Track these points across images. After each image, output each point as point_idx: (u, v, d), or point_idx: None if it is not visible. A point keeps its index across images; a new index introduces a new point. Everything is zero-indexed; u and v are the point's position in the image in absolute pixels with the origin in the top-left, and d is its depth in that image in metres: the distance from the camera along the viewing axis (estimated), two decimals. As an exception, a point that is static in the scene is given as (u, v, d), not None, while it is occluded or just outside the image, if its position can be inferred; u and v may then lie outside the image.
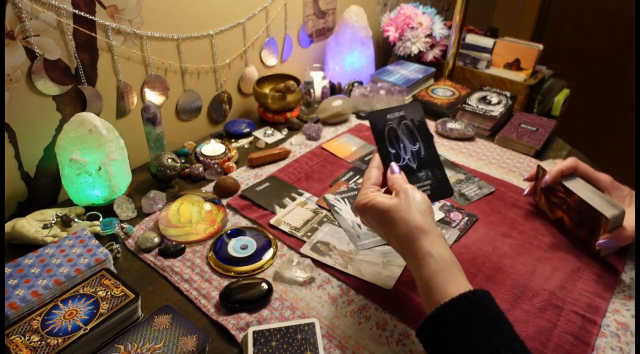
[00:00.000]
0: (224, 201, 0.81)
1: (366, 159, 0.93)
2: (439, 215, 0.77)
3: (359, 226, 0.74)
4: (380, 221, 0.54)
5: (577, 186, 0.67)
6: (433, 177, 0.59)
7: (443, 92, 1.20)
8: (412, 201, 0.53)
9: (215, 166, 0.89)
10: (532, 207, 0.79)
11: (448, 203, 0.80)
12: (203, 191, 0.81)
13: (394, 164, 0.58)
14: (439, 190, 0.60)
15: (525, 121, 1.05)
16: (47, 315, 0.54)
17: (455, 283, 0.48)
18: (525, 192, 0.79)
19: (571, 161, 0.70)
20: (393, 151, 0.58)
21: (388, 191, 0.57)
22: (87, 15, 0.75)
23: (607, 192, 0.68)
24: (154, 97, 0.92)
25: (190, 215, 0.74)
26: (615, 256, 0.68)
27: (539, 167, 0.72)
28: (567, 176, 0.70)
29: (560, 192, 0.70)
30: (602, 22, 1.94)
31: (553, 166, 0.72)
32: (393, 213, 0.52)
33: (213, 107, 1.05)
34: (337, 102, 1.07)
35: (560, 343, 0.56)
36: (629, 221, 0.63)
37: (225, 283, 0.64)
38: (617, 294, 0.63)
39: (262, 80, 1.10)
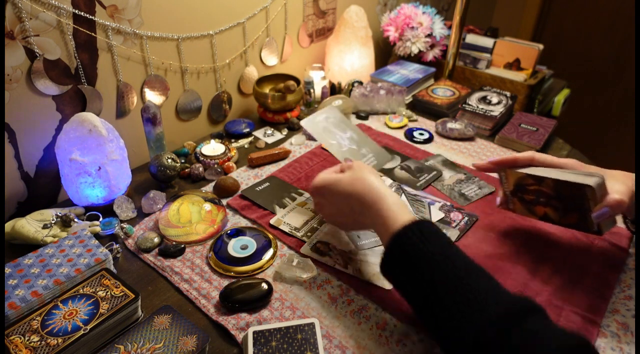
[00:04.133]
0: (224, 201, 0.81)
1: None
2: (439, 215, 0.77)
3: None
4: (336, 190, 0.63)
5: (545, 171, 0.63)
6: (372, 152, 0.74)
7: (443, 92, 1.20)
8: (364, 166, 0.64)
9: (215, 166, 0.89)
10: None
11: (448, 203, 0.80)
12: (203, 191, 0.81)
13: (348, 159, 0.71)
14: (382, 158, 0.76)
15: (525, 121, 1.05)
16: (47, 315, 0.54)
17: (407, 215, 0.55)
18: (498, 203, 0.73)
19: (529, 153, 0.67)
20: (334, 142, 0.73)
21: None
22: (87, 15, 0.75)
23: None
24: (153, 97, 0.92)
25: (190, 215, 0.74)
26: (615, 255, 0.68)
27: (499, 171, 0.69)
28: (527, 168, 0.66)
29: (531, 185, 0.65)
30: (602, 22, 1.94)
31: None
32: (348, 180, 0.62)
33: (213, 107, 1.05)
34: (337, 102, 1.07)
35: (560, 343, 0.55)
36: (615, 187, 0.58)
37: (225, 283, 0.64)
38: (617, 294, 0.63)
39: (262, 80, 1.10)
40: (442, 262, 0.49)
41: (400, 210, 0.56)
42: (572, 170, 0.63)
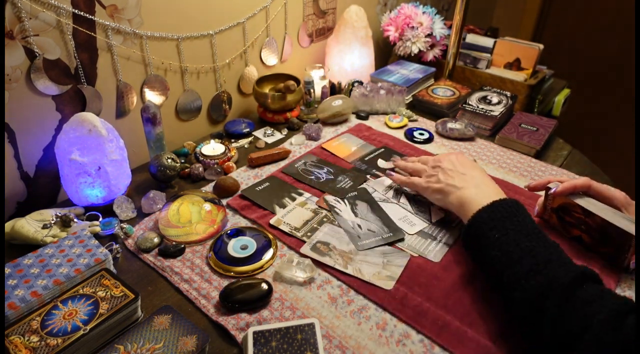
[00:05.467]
0: (224, 201, 0.81)
1: (366, 158, 0.93)
2: (439, 215, 0.77)
3: (359, 226, 0.74)
4: (469, 162, 0.75)
5: (596, 207, 0.66)
6: (348, 176, 0.87)
7: (443, 92, 1.19)
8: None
9: (215, 166, 0.89)
10: (532, 208, 0.78)
11: (448, 203, 0.80)
12: (203, 191, 0.80)
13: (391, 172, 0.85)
14: (357, 179, 0.87)
15: (525, 121, 1.05)
16: (47, 315, 0.54)
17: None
18: (535, 213, 0.76)
19: (585, 179, 0.68)
20: (313, 177, 0.87)
21: None
22: (87, 15, 0.75)
23: (623, 209, 0.66)
24: (153, 97, 0.92)
25: (190, 215, 0.74)
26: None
27: (547, 188, 0.71)
28: (578, 195, 0.68)
29: (576, 213, 0.68)
30: (602, 22, 1.94)
31: (569, 181, 0.69)
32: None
33: (213, 107, 1.05)
34: (337, 102, 1.07)
35: (560, 343, 0.55)
36: None
37: (225, 283, 0.64)
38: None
39: (262, 80, 1.10)
40: (531, 231, 0.58)
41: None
42: (621, 213, 0.65)
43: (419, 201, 0.80)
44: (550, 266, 0.52)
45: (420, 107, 1.17)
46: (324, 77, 1.19)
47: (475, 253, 0.63)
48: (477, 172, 0.71)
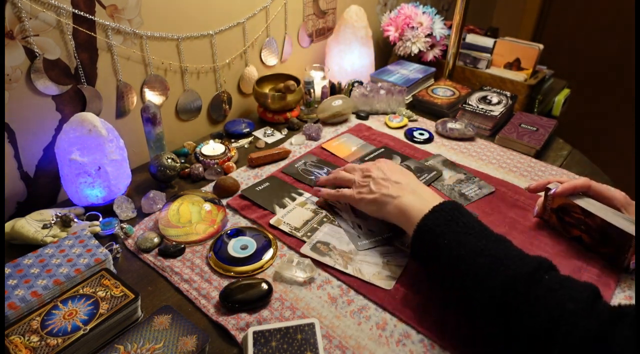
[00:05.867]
0: (224, 201, 0.81)
1: (366, 158, 0.93)
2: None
3: (359, 226, 0.74)
4: (399, 168, 0.74)
5: (595, 207, 0.66)
6: None
7: (443, 92, 1.19)
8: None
9: (215, 166, 0.89)
10: (532, 208, 0.78)
11: (448, 203, 0.80)
12: (203, 191, 0.80)
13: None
14: None
15: (525, 121, 1.05)
16: (47, 315, 0.54)
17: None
18: (535, 213, 0.76)
19: (585, 180, 0.68)
20: (313, 177, 0.86)
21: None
22: (87, 15, 0.75)
23: (623, 209, 0.66)
24: (153, 97, 0.92)
25: (190, 215, 0.74)
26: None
27: (547, 188, 0.71)
28: (578, 196, 0.68)
29: (576, 213, 0.68)
30: (602, 22, 1.94)
31: (569, 181, 0.69)
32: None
33: (213, 107, 1.05)
34: (337, 102, 1.07)
35: (560, 343, 0.55)
36: None
37: (225, 283, 0.64)
38: (617, 295, 0.63)
39: (262, 80, 1.10)
40: (476, 232, 0.57)
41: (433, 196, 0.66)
42: (621, 214, 0.65)
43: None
44: (507, 262, 0.52)
45: (420, 107, 1.17)
46: (324, 77, 1.19)
47: (427, 262, 0.61)
48: (410, 179, 0.70)
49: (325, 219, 0.76)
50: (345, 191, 0.75)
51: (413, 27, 1.30)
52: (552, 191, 0.69)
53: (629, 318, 0.44)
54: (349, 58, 1.22)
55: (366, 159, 0.93)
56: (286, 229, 0.73)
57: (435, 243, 0.58)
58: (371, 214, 0.72)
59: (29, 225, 0.70)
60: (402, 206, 0.65)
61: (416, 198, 0.65)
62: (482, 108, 1.07)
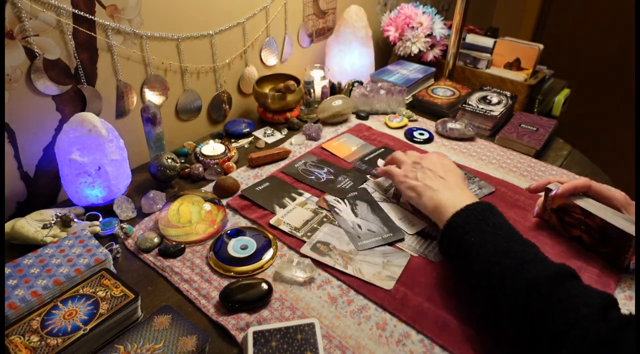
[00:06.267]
0: (224, 201, 0.81)
1: (366, 158, 0.93)
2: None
3: (359, 226, 0.74)
4: (449, 164, 0.75)
5: (595, 208, 0.66)
6: (348, 177, 0.88)
7: (443, 92, 1.19)
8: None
9: (215, 166, 0.89)
10: (532, 208, 0.78)
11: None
12: (203, 191, 0.80)
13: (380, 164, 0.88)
14: (357, 180, 0.87)
15: (525, 121, 1.05)
16: (47, 315, 0.54)
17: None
18: (535, 213, 0.76)
19: (585, 180, 0.68)
20: (313, 177, 0.87)
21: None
22: (87, 15, 0.75)
23: (623, 209, 0.66)
24: (153, 97, 0.92)
25: (190, 215, 0.74)
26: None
27: (547, 188, 0.71)
28: (578, 196, 0.68)
29: (576, 213, 0.68)
30: (602, 22, 1.94)
31: (569, 181, 0.69)
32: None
33: (213, 107, 1.05)
34: (337, 102, 1.07)
35: (560, 343, 0.55)
36: None
37: (225, 283, 0.64)
38: (617, 294, 0.63)
39: (262, 80, 1.10)
40: (505, 233, 0.58)
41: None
42: (621, 214, 0.65)
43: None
44: (530, 265, 0.53)
45: (420, 107, 1.17)
46: (324, 77, 1.19)
47: (453, 257, 0.62)
48: (456, 177, 0.71)
49: (325, 219, 0.76)
50: (393, 168, 0.79)
51: (413, 27, 1.30)
52: (553, 192, 0.69)
53: (636, 325, 0.45)
54: (349, 58, 1.22)
55: (366, 159, 0.93)
56: (286, 229, 0.73)
57: (463, 240, 0.59)
58: (409, 200, 0.74)
59: (29, 225, 0.70)
60: (438, 200, 0.67)
61: (453, 195, 0.66)
62: (482, 108, 1.07)
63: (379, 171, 0.83)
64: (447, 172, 0.72)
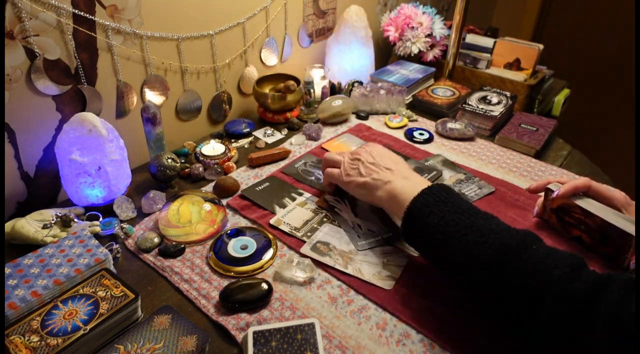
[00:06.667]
0: (224, 201, 0.81)
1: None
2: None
3: (359, 226, 0.74)
4: (389, 154, 0.73)
5: (595, 208, 0.66)
6: None
7: (443, 92, 1.19)
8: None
9: (215, 166, 0.89)
10: (532, 208, 0.78)
11: (448, 203, 0.80)
12: (203, 191, 0.81)
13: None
14: None
15: (525, 121, 1.05)
16: (47, 315, 0.54)
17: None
18: (535, 213, 0.76)
19: (585, 180, 0.68)
20: (313, 177, 0.87)
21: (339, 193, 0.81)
22: (87, 15, 0.75)
23: (623, 209, 0.66)
24: (153, 97, 0.92)
25: (190, 215, 0.74)
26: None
27: (547, 189, 0.71)
28: (578, 196, 0.68)
29: (576, 213, 0.68)
30: (602, 22, 1.94)
31: (569, 181, 0.69)
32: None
33: (213, 107, 1.05)
34: (337, 102, 1.07)
35: (560, 343, 0.55)
36: None
37: (225, 283, 0.64)
38: (617, 294, 0.63)
39: (262, 80, 1.10)
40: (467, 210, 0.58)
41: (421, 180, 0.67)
42: (621, 214, 0.65)
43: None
44: (496, 235, 0.53)
45: (420, 107, 1.17)
46: (323, 77, 1.19)
47: (418, 243, 0.62)
48: (400, 164, 0.71)
49: (325, 219, 0.76)
50: (333, 170, 0.76)
51: (413, 27, 1.30)
52: (554, 194, 0.69)
53: (615, 281, 0.46)
54: (349, 58, 1.22)
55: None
56: (286, 229, 0.73)
57: (425, 223, 0.59)
58: (360, 197, 0.73)
59: (29, 225, 0.70)
60: (393, 191, 0.66)
61: (407, 182, 0.66)
62: (482, 108, 1.07)
63: (324, 182, 0.81)
64: (393, 162, 0.71)
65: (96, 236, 0.71)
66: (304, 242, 0.71)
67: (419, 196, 0.61)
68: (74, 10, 0.73)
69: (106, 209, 0.77)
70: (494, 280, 0.51)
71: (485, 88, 1.18)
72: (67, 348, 0.50)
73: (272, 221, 0.75)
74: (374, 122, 1.10)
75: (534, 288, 0.48)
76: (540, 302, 0.47)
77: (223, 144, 0.94)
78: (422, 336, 0.57)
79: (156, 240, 0.71)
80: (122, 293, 0.57)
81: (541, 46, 1.24)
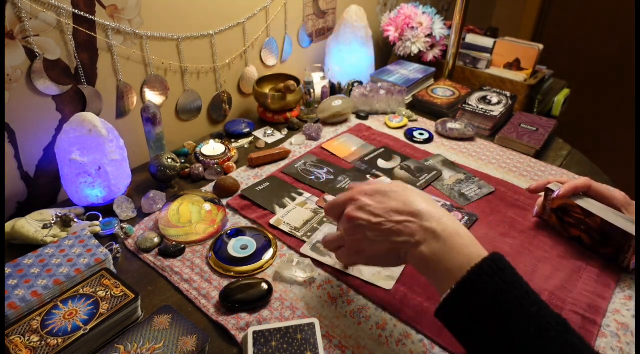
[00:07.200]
0: (224, 201, 0.81)
1: (366, 158, 0.93)
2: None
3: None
4: (384, 190, 0.52)
5: (595, 208, 0.66)
6: (348, 176, 0.88)
7: (443, 92, 1.19)
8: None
9: (215, 166, 0.89)
10: (532, 208, 0.78)
11: (448, 203, 0.80)
12: (203, 191, 0.81)
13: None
14: (357, 180, 0.87)
15: (525, 121, 1.05)
16: (47, 315, 0.54)
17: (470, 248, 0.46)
18: (535, 213, 0.76)
19: (585, 180, 0.68)
20: (313, 177, 0.87)
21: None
22: (87, 15, 0.75)
23: (623, 209, 0.66)
24: (153, 97, 0.92)
25: (190, 215, 0.74)
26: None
27: (547, 189, 0.71)
28: (578, 196, 0.68)
29: (576, 213, 0.68)
30: (602, 22, 1.94)
31: (569, 181, 0.69)
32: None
33: (213, 107, 1.05)
34: (337, 102, 1.07)
35: (560, 343, 0.55)
36: None
37: (225, 283, 0.64)
38: (617, 294, 0.63)
39: (262, 80, 1.10)
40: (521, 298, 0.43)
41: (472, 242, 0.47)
42: (622, 214, 0.65)
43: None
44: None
45: (420, 107, 1.17)
46: (323, 77, 1.19)
47: (458, 329, 0.46)
48: (414, 203, 0.50)
49: (325, 219, 0.76)
50: (340, 251, 0.58)
51: (413, 27, 1.30)
52: (554, 194, 0.69)
53: None
54: (349, 58, 1.22)
55: (366, 159, 0.93)
56: (286, 229, 0.73)
57: (476, 308, 0.43)
58: (390, 266, 0.59)
59: (29, 225, 0.70)
60: (427, 258, 0.47)
61: (442, 246, 0.47)
62: (482, 108, 1.07)
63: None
64: (403, 201, 0.50)
65: (96, 236, 0.71)
66: (304, 242, 0.71)
67: (471, 275, 0.44)
68: (74, 10, 0.73)
69: (106, 209, 0.77)
70: None
71: (485, 88, 1.18)
72: (67, 348, 0.50)
73: (272, 221, 0.75)
74: (374, 122, 1.10)
75: None
76: None
77: (223, 144, 0.94)
78: (422, 336, 0.57)
79: (156, 240, 0.71)
80: (122, 293, 0.57)
81: (541, 46, 1.24)
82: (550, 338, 0.41)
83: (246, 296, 0.60)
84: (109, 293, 0.57)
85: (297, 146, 0.99)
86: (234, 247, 0.69)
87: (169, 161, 0.82)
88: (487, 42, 1.29)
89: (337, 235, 0.57)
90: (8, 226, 0.70)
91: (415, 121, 1.11)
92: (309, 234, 0.72)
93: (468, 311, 0.44)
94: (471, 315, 0.43)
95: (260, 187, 0.83)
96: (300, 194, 0.82)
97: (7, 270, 0.59)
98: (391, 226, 0.50)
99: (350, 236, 0.53)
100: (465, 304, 0.44)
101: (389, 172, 0.89)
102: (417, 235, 0.48)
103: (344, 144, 0.99)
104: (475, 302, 0.43)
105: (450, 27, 1.25)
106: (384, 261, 0.53)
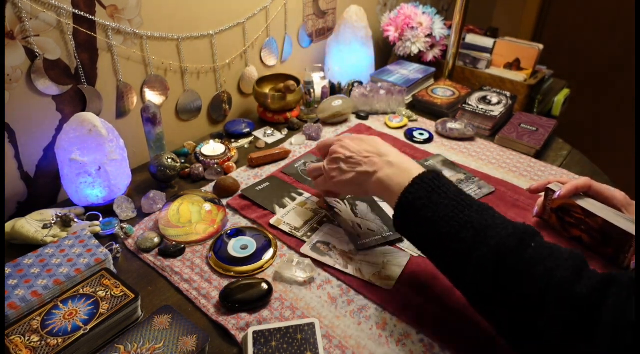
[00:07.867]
0: (224, 201, 0.81)
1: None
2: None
3: (359, 226, 0.74)
4: (363, 139, 0.68)
5: (596, 208, 0.66)
6: None
7: (443, 92, 1.20)
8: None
9: (215, 166, 0.89)
10: (532, 208, 0.78)
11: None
12: (203, 191, 0.81)
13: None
14: None
15: (525, 121, 1.05)
16: (47, 315, 0.54)
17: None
18: (535, 213, 0.76)
19: (586, 180, 0.68)
20: None
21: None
22: (87, 15, 0.75)
23: (623, 209, 0.66)
24: (153, 97, 0.92)
25: (190, 215, 0.74)
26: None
27: (548, 189, 0.72)
28: (578, 196, 0.68)
29: (577, 213, 0.68)
30: (602, 22, 1.94)
31: (569, 181, 0.69)
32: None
33: (213, 107, 1.05)
34: (337, 102, 1.07)
35: (560, 343, 0.55)
36: None
37: (225, 283, 0.64)
38: (617, 294, 0.63)
39: (262, 80, 1.10)
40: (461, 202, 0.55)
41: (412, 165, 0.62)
42: (622, 214, 0.65)
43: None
44: (492, 232, 0.50)
45: (420, 107, 1.17)
46: (323, 77, 1.19)
47: (411, 236, 0.58)
48: (380, 146, 0.65)
49: (325, 219, 0.76)
50: (318, 179, 0.74)
51: (413, 27, 1.30)
52: (555, 194, 0.69)
53: (618, 284, 0.44)
54: (349, 58, 1.22)
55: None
56: (286, 229, 0.73)
57: (418, 217, 0.55)
58: (354, 195, 0.72)
59: (29, 225, 0.70)
60: (381, 182, 0.61)
61: (394, 171, 0.61)
62: (482, 108, 1.07)
63: (318, 194, 0.80)
64: (371, 147, 0.65)
65: (96, 236, 0.71)
66: (304, 242, 0.71)
67: (410, 187, 0.57)
68: (74, 10, 0.73)
69: (106, 209, 0.77)
70: (489, 283, 0.48)
71: (485, 88, 1.18)
72: (67, 348, 0.50)
73: (272, 221, 0.75)
74: (374, 122, 1.10)
75: (534, 290, 0.46)
76: (540, 308, 0.45)
77: (223, 144, 0.94)
78: (422, 336, 0.57)
79: (156, 240, 0.71)
80: (122, 293, 0.57)
81: (541, 46, 1.24)
82: (474, 211, 0.53)
83: (246, 296, 0.60)
84: (109, 293, 0.57)
85: (297, 146, 0.99)
86: (234, 247, 0.69)
87: (169, 161, 0.82)
88: (487, 42, 1.29)
89: (319, 165, 0.73)
90: (8, 226, 0.70)
91: (415, 121, 1.11)
92: (309, 234, 0.72)
93: (412, 217, 0.56)
94: (414, 220, 0.56)
95: (260, 187, 0.83)
96: (300, 194, 0.82)
97: (7, 270, 0.59)
98: (359, 160, 0.65)
99: (329, 165, 0.69)
100: (408, 212, 0.57)
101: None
102: (376, 166, 0.63)
103: (344, 144, 0.99)
104: (414, 206, 0.56)
105: (450, 27, 1.25)
106: (349, 187, 0.67)
